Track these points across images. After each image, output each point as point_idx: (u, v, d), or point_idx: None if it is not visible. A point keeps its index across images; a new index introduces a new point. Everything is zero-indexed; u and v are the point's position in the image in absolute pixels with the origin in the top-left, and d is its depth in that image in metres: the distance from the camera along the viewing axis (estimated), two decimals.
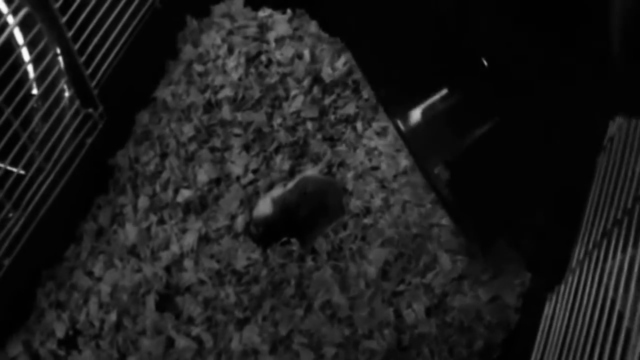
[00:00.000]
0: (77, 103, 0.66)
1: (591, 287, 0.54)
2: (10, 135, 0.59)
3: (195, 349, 0.68)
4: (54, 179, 0.67)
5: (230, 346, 0.68)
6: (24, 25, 0.63)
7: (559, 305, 0.59)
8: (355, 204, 0.75)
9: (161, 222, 0.75)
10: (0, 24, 0.56)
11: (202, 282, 0.71)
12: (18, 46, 0.61)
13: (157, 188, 0.76)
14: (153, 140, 0.78)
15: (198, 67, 0.82)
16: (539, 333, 0.61)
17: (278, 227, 0.73)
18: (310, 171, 0.77)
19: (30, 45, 0.62)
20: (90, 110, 0.67)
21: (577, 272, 0.58)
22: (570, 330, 0.53)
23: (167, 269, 0.72)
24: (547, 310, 0.62)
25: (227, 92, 0.80)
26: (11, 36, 0.61)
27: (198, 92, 0.80)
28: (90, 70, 0.65)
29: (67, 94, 0.66)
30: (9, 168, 0.62)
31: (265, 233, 0.73)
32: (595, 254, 0.56)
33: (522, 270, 0.70)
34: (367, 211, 0.75)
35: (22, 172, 0.63)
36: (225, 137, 0.79)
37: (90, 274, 0.72)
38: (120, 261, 0.72)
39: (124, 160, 0.77)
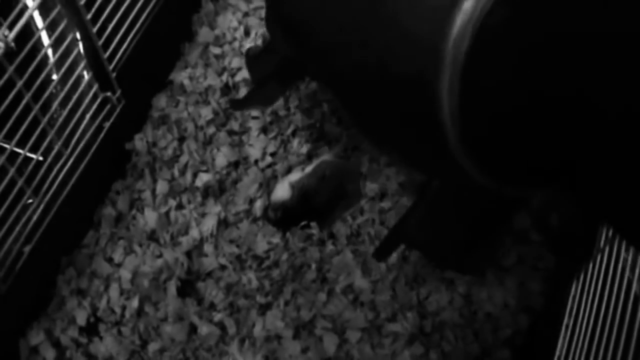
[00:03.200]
0: (95, 87, 0.65)
1: (622, 266, 0.53)
2: (29, 121, 0.58)
3: (218, 334, 0.67)
4: (73, 165, 0.66)
5: (253, 332, 0.67)
6: (43, 9, 0.62)
7: (587, 285, 0.59)
8: (371, 187, 0.74)
9: (180, 206, 0.74)
10: (20, 8, 0.55)
11: (223, 267, 0.71)
12: (37, 29, 0.61)
13: (176, 172, 0.75)
14: (170, 124, 0.77)
15: (215, 50, 0.81)
16: (567, 315, 0.60)
17: (296, 211, 0.73)
18: (328, 155, 0.76)
19: (49, 29, 0.61)
20: (109, 93, 0.66)
21: (606, 251, 0.57)
22: (603, 309, 0.53)
23: (188, 254, 0.71)
24: (575, 291, 0.61)
25: (244, 74, 0.79)
26: (31, 19, 0.60)
27: (215, 74, 0.79)
28: (108, 53, 0.64)
29: (85, 78, 0.65)
30: (29, 154, 0.61)
31: (283, 217, 0.73)
32: None
33: (546, 254, 0.70)
34: (383, 195, 0.74)
35: (40, 158, 0.62)
36: (243, 120, 0.78)
37: (110, 260, 0.71)
38: (140, 247, 0.72)
39: (141, 144, 0.76)
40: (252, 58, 0.70)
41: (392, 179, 0.75)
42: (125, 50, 0.67)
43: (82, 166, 0.67)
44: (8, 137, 0.56)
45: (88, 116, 0.66)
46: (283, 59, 0.55)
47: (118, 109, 0.69)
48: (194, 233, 0.72)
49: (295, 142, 0.78)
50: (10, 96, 0.54)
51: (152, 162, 0.76)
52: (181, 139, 0.77)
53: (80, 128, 0.65)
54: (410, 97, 0.25)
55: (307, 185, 0.73)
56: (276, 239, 0.72)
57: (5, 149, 0.57)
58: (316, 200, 0.73)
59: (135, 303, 0.68)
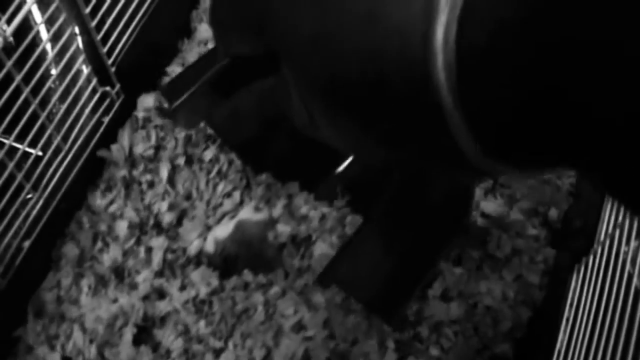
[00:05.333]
0: (94, 81, 0.65)
1: (622, 259, 0.53)
2: (28, 116, 0.58)
3: None
4: (72, 159, 0.66)
5: None
6: (42, 3, 0.62)
7: (587, 278, 0.59)
8: (282, 230, 0.70)
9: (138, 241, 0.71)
10: (18, 2, 0.55)
11: (177, 311, 0.68)
12: (36, 24, 0.60)
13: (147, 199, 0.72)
14: (149, 128, 0.74)
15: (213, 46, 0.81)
16: (567, 307, 0.60)
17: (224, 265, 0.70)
18: (248, 209, 0.71)
19: (48, 23, 0.61)
20: (108, 88, 0.66)
21: (607, 244, 0.57)
22: (603, 302, 0.53)
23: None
24: (575, 284, 0.61)
25: None
26: (29, 13, 0.60)
27: None
28: (106, 48, 0.64)
29: (84, 72, 0.65)
30: (27, 149, 0.61)
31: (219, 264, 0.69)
32: (626, 223, 0.55)
33: (543, 247, 0.70)
34: (294, 238, 0.71)
35: (40, 153, 0.62)
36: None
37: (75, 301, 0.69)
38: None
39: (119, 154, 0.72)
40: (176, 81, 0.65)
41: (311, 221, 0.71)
42: (125, 44, 0.67)
43: (81, 161, 0.67)
44: (7, 132, 0.56)
45: (87, 111, 0.66)
46: (222, 66, 0.46)
47: (117, 104, 0.69)
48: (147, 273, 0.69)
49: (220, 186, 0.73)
50: (9, 91, 0.54)
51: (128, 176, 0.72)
52: (157, 148, 0.73)
53: (80, 123, 0.65)
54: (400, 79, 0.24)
55: (226, 250, 0.69)
56: (216, 282, 0.68)
57: (4, 143, 0.57)
58: (238, 264, 0.69)
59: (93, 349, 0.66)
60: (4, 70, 0.53)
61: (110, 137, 0.71)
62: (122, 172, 0.71)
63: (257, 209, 0.70)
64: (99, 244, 0.69)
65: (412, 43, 0.23)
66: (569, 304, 0.60)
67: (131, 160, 0.72)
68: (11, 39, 0.57)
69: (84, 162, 0.67)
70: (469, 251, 0.69)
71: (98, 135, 0.68)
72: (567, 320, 0.59)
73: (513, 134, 0.23)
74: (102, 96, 0.67)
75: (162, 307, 0.67)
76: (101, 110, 0.68)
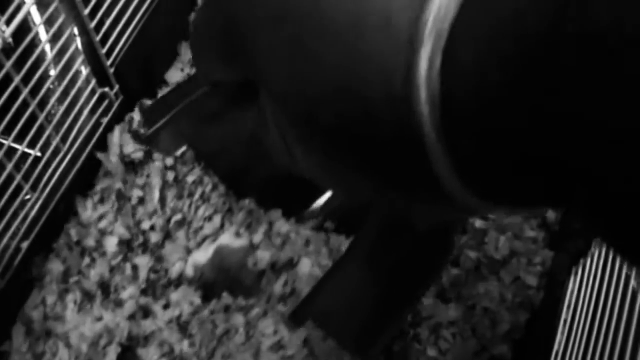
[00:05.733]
0: (93, 82, 0.65)
1: (620, 261, 0.53)
2: (27, 116, 0.58)
3: None
4: (71, 160, 0.66)
5: None
6: (41, 4, 0.62)
7: (585, 280, 0.59)
8: (262, 255, 0.69)
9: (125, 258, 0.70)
10: (17, 3, 0.55)
11: (160, 329, 0.67)
12: (35, 25, 0.60)
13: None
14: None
15: None
16: (564, 309, 0.60)
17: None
18: (228, 235, 0.70)
19: (47, 24, 0.61)
20: (106, 89, 0.66)
21: (604, 246, 0.57)
22: (601, 304, 0.53)
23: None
24: (573, 285, 0.61)
25: None
26: (28, 14, 0.60)
27: None
28: (105, 48, 0.64)
29: (83, 73, 0.65)
30: (26, 150, 0.61)
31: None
32: None
33: (540, 249, 0.70)
34: (273, 265, 0.69)
35: (38, 154, 0.62)
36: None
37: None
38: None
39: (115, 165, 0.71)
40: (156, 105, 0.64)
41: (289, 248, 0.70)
42: (124, 45, 0.67)
43: (80, 162, 0.67)
44: (6, 133, 0.56)
45: (86, 111, 0.66)
46: (202, 93, 0.44)
47: (116, 105, 0.69)
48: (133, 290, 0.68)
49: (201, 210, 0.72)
50: (8, 91, 0.54)
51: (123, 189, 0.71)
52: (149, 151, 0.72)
53: (78, 123, 0.65)
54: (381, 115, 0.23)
55: (205, 276, 0.68)
56: (198, 302, 0.68)
57: (2, 144, 0.57)
58: (216, 290, 0.69)
59: None
60: (3, 71, 0.53)
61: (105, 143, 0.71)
62: (117, 185, 0.70)
63: (237, 234, 0.69)
64: (86, 260, 0.68)
65: (394, 76, 0.22)
66: (567, 305, 0.60)
67: (123, 168, 0.71)
68: (10, 39, 0.57)
69: (83, 162, 0.67)
70: (467, 252, 0.69)
71: (96, 136, 0.68)
72: (565, 322, 0.59)
73: (499, 174, 0.22)
74: (101, 97, 0.67)
75: (147, 326, 0.66)
76: (100, 111, 0.68)
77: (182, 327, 0.67)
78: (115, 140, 0.71)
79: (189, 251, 0.69)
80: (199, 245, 0.69)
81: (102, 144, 0.70)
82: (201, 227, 0.70)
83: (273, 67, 0.26)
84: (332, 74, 0.24)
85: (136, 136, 0.71)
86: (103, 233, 0.69)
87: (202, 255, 0.68)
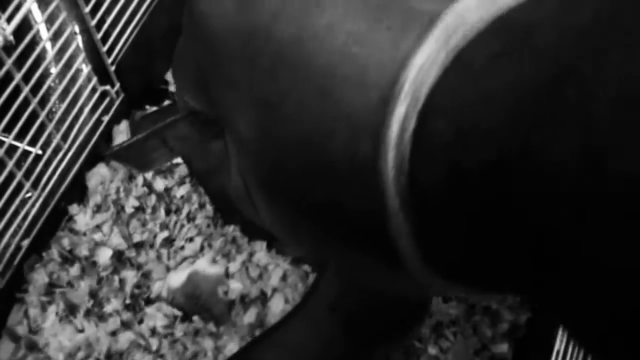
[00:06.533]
0: (94, 80, 0.65)
1: None
2: (28, 114, 0.58)
3: None
4: (72, 158, 0.66)
5: None
6: (42, 2, 0.62)
7: None
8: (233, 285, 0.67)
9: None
10: (18, 1, 0.55)
11: (139, 345, 0.66)
12: (36, 22, 0.60)
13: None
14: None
15: None
16: None
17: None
18: (204, 260, 0.68)
19: (48, 22, 0.61)
20: (107, 87, 0.66)
21: None
22: None
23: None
24: None
25: None
26: (29, 12, 0.60)
27: None
28: (106, 47, 0.64)
29: (84, 71, 0.65)
30: (27, 148, 0.61)
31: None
32: None
33: None
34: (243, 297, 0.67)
35: (39, 152, 0.62)
36: None
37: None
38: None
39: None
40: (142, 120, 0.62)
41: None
42: (125, 43, 0.67)
43: (80, 160, 0.67)
44: (6, 131, 0.56)
45: (87, 110, 0.66)
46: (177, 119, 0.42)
47: (117, 103, 0.69)
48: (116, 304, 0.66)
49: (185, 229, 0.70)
50: (9, 90, 0.54)
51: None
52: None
53: (79, 121, 0.65)
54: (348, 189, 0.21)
55: (176, 301, 0.67)
56: (170, 320, 0.66)
57: (3, 142, 0.57)
58: (186, 314, 0.67)
59: None
60: (4, 69, 0.53)
61: (109, 136, 0.71)
62: (113, 190, 0.69)
63: (214, 261, 0.68)
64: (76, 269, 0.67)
65: (363, 135, 0.20)
66: None
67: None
68: (11, 37, 0.57)
69: (84, 161, 0.67)
70: None
71: (97, 134, 0.68)
72: None
73: (464, 256, 0.20)
74: (102, 95, 0.67)
75: (122, 343, 0.65)
76: (101, 109, 0.68)
77: (158, 345, 0.65)
78: (120, 138, 0.71)
79: (168, 270, 0.68)
80: (178, 265, 0.68)
81: (107, 142, 0.70)
82: (182, 248, 0.69)
83: (237, 109, 0.25)
84: (299, 124, 0.22)
85: (105, 151, 0.69)
86: (97, 243, 0.68)
87: (177, 279, 0.66)
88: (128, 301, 0.66)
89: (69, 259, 0.67)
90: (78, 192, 0.69)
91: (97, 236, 0.68)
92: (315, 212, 0.23)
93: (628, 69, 0.15)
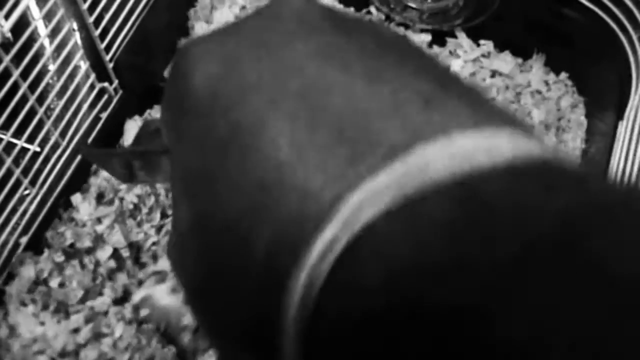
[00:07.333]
0: (92, 77, 0.65)
1: None
2: (26, 111, 0.58)
3: None
4: (70, 156, 0.66)
5: None
6: None
7: None
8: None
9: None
10: None
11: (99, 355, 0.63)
12: (34, 19, 0.60)
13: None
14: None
15: None
16: None
17: None
18: (161, 287, 0.65)
19: (46, 19, 0.61)
20: (106, 84, 0.66)
21: None
22: None
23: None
24: None
25: None
26: (27, 9, 0.60)
27: None
28: (105, 44, 0.64)
29: (82, 68, 0.65)
30: (25, 145, 0.61)
31: None
32: None
33: None
34: None
35: (37, 149, 0.62)
36: None
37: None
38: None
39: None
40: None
41: None
42: (123, 40, 0.67)
43: (79, 157, 0.67)
44: (4, 127, 0.56)
45: (85, 107, 0.66)
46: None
47: (115, 100, 0.69)
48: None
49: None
50: (7, 86, 0.54)
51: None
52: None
53: (77, 119, 0.65)
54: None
55: (139, 317, 0.64)
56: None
57: (1, 139, 0.57)
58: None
59: None
60: (2, 66, 0.53)
61: (108, 133, 0.71)
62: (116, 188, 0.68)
63: (173, 290, 0.64)
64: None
65: (284, 249, 0.19)
66: None
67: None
68: (9, 34, 0.57)
69: (82, 158, 0.67)
70: None
71: (96, 131, 0.68)
72: None
73: None
74: (100, 92, 0.67)
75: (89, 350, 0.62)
76: (99, 106, 0.68)
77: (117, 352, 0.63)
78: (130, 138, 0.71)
79: (140, 283, 0.66)
80: (147, 278, 0.65)
81: (106, 139, 0.70)
82: (155, 259, 0.67)
83: (176, 165, 0.24)
84: (229, 206, 0.21)
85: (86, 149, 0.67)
86: (98, 239, 0.67)
87: (137, 296, 0.65)
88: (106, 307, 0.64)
89: (68, 252, 0.66)
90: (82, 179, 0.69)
91: (99, 228, 0.67)
92: (217, 296, 0.22)
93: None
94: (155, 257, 0.67)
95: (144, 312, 0.63)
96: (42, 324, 0.63)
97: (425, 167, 0.18)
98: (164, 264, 0.65)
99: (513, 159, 0.18)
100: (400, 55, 0.22)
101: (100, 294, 0.65)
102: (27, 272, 0.64)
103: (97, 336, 0.63)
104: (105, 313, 0.64)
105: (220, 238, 0.21)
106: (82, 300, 0.64)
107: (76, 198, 0.68)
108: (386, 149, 0.18)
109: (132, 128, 0.72)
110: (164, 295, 0.63)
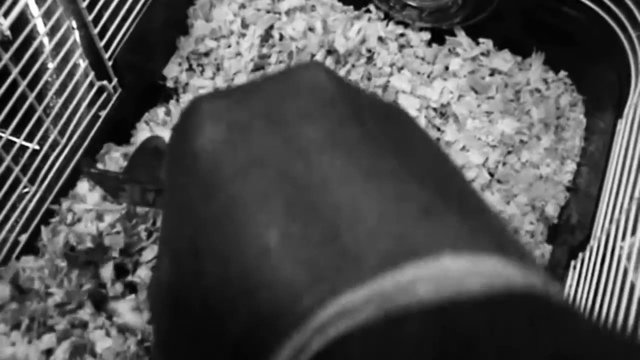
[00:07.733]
0: (91, 75, 0.65)
1: (618, 254, 0.53)
2: (25, 109, 0.58)
3: None
4: (69, 154, 0.66)
5: None
6: None
7: (583, 272, 0.59)
8: None
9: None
10: None
11: None
12: (33, 17, 0.60)
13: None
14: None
15: (210, 44, 0.81)
16: None
17: None
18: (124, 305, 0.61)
19: (45, 17, 0.61)
20: (105, 82, 0.66)
21: (604, 238, 0.57)
22: (599, 298, 0.53)
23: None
24: (571, 280, 0.61)
25: (242, 78, 0.78)
26: (26, 7, 0.60)
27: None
28: (104, 42, 0.64)
29: (81, 66, 0.65)
30: (24, 143, 0.61)
31: None
32: (622, 219, 0.55)
33: (539, 243, 0.70)
34: None
35: (36, 147, 0.62)
36: None
37: None
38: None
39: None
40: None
41: None
42: (122, 38, 0.67)
43: (78, 155, 0.67)
44: (3, 126, 0.56)
45: (84, 105, 0.66)
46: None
47: (114, 98, 0.69)
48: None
49: None
50: (6, 85, 0.54)
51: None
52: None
53: (76, 117, 0.65)
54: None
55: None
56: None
57: (0, 137, 0.57)
58: None
59: None
60: (1, 64, 0.53)
61: (107, 132, 0.71)
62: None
63: (138, 309, 0.61)
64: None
65: (262, 334, 0.19)
66: (565, 299, 0.60)
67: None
68: (8, 32, 0.57)
69: (81, 156, 0.67)
70: None
71: (95, 129, 0.68)
72: None
73: None
74: (99, 90, 0.67)
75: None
76: (98, 104, 0.68)
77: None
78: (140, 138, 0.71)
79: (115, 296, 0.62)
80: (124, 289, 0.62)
81: (105, 137, 0.70)
82: (138, 265, 0.64)
83: (167, 217, 0.24)
84: (215, 279, 0.21)
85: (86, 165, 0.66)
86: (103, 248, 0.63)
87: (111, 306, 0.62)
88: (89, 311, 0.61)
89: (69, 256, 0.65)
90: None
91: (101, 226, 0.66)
92: (181, 356, 0.22)
93: None
94: (136, 265, 0.64)
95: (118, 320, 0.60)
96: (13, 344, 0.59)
97: (412, 286, 0.17)
98: (142, 273, 0.63)
99: (506, 288, 0.17)
100: (409, 150, 0.22)
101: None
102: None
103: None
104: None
105: (196, 308, 0.21)
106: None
107: (83, 186, 0.67)
108: (376, 259, 0.18)
109: (142, 129, 0.72)
110: (127, 311, 0.60)
